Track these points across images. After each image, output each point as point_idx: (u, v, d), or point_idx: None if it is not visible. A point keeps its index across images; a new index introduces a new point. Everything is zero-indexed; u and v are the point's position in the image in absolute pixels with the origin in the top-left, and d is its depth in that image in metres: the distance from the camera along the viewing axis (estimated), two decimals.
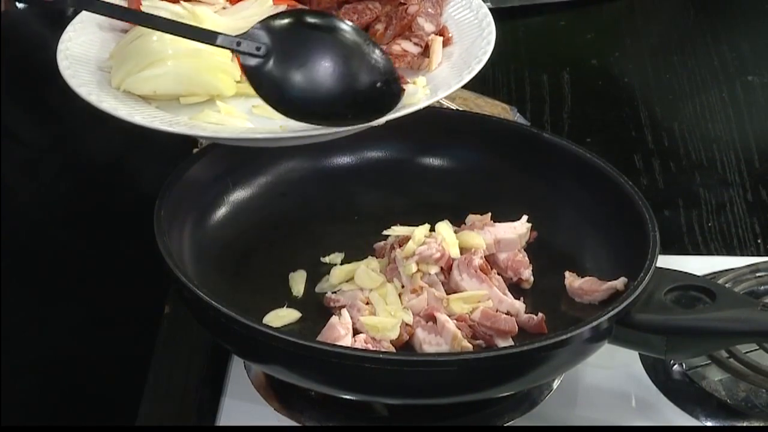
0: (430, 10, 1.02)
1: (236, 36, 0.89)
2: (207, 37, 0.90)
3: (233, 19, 0.98)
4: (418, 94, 0.93)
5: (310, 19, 0.91)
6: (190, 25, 0.92)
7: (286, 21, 0.90)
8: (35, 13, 1.08)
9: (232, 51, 0.89)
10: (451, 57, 1.00)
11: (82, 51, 0.98)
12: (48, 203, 1.14)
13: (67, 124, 1.14)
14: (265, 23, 0.89)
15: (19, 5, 1.07)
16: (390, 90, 0.89)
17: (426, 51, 1.00)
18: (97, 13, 0.91)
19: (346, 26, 0.90)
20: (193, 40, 0.91)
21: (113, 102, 0.92)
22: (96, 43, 0.99)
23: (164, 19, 0.92)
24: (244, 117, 0.94)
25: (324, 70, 0.88)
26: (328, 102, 0.88)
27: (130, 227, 1.07)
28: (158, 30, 0.91)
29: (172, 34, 0.90)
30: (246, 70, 0.89)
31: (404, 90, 0.90)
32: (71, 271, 1.16)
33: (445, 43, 1.01)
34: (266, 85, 0.89)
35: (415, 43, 1.00)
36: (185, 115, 0.94)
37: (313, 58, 0.89)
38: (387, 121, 0.92)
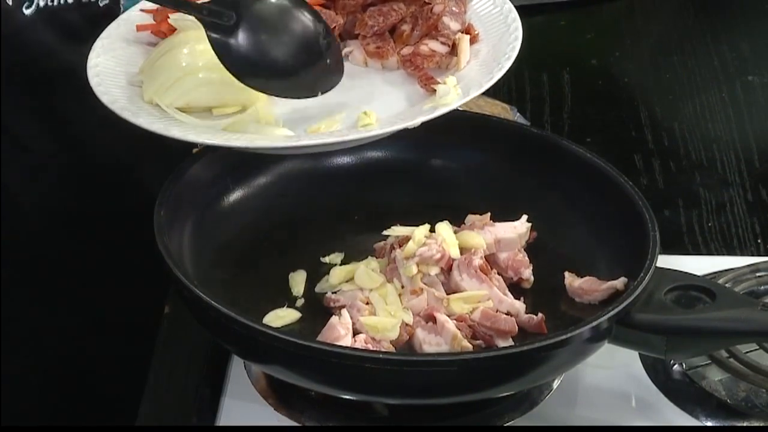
0: (454, 8, 1.02)
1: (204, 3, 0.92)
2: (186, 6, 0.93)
3: None
4: (451, 95, 0.94)
5: None
6: None
7: None
8: (41, 19, 1.08)
9: (201, 20, 0.92)
10: (479, 54, 1.00)
11: (112, 67, 0.99)
12: (49, 206, 1.15)
13: (70, 130, 1.14)
14: None
15: (26, 11, 1.07)
16: (330, 44, 0.96)
17: (453, 50, 1.00)
18: None
19: None
20: (175, 8, 0.94)
21: (148, 117, 0.93)
22: (124, 58, 1.00)
23: None
24: (280, 122, 0.94)
25: (286, 38, 0.93)
26: (288, 69, 0.94)
27: (129, 228, 1.07)
28: None
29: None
30: (214, 39, 0.92)
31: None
32: (71, 271, 1.16)
33: (472, 40, 1.01)
34: (233, 54, 0.92)
35: (443, 43, 1.00)
36: (219, 126, 0.94)
37: (275, 27, 0.93)
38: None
